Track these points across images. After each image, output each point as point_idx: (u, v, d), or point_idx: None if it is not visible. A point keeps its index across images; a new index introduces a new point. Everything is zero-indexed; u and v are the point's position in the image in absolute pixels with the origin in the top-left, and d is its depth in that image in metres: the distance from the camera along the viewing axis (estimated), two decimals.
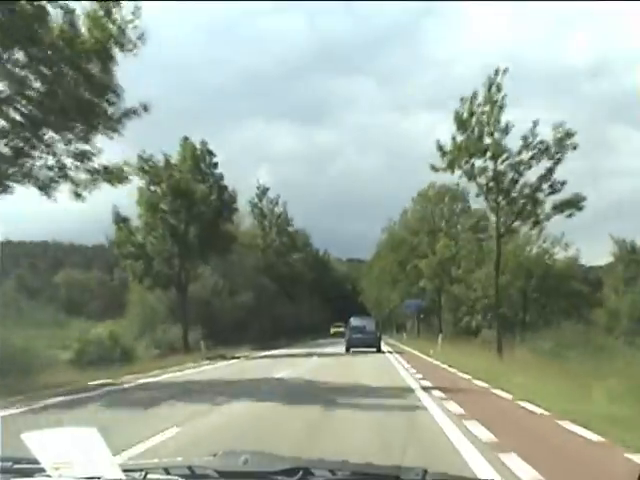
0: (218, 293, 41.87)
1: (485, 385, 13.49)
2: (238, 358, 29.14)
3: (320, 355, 28.88)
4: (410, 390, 12.68)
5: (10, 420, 8.58)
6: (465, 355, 24.66)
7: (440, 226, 50.88)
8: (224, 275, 42.88)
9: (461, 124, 21.10)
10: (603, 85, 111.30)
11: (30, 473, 1.83)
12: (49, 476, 1.75)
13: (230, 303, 42.69)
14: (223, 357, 29.21)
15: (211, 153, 32.36)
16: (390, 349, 37.28)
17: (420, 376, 16.12)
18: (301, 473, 1.81)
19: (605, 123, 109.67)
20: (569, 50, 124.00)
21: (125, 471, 1.80)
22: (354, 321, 32.33)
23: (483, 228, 50.77)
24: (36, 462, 1.77)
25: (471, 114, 21.06)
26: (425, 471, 1.86)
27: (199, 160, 31.84)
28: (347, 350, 30.68)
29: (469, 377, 15.66)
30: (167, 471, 1.90)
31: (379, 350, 30.68)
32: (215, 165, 32.34)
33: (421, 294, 53.14)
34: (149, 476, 1.84)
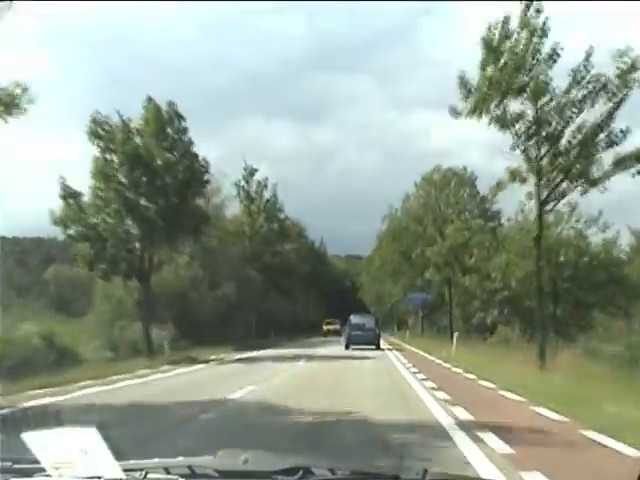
0: (196, 285, 36.47)
1: (562, 419, 8.15)
2: (210, 361, 24.02)
3: (309, 358, 23.60)
4: (441, 432, 7.30)
5: None
6: (491, 360, 19.39)
7: (446, 213, 45.87)
8: (203, 265, 37.49)
9: (491, 51, 15.70)
10: None
11: (30, 473, 1.83)
12: (49, 476, 1.76)
13: (211, 297, 37.27)
14: (192, 360, 24.08)
15: (180, 116, 26.96)
16: (393, 349, 32.13)
17: (446, 396, 10.79)
18: (301, 472, 1.80)
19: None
20: (569, 50, 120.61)
21: (125, 471, 1.78)
22: (354, 318, 32.44)
23: (493, 215, 46.06)
24: (36, 462, 1.77)
25: (506, 37, 15.69)
26: (425, 470, 1.83)
27: (165, 124, 26.44)
28: (347, 347, 30.61)
29: (522, 399, 10.35)
30: (167, 470, 1.89)
31: (378, 347, 30.34)
32: (184, 130, 26.96)
33: (426, 287, 48.31)
34: (149, 475, 1.84)
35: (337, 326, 55.06)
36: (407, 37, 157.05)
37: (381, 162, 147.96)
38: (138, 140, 25.74)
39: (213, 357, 26.21)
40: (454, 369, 17.77)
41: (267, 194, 45.76)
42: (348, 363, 21.08)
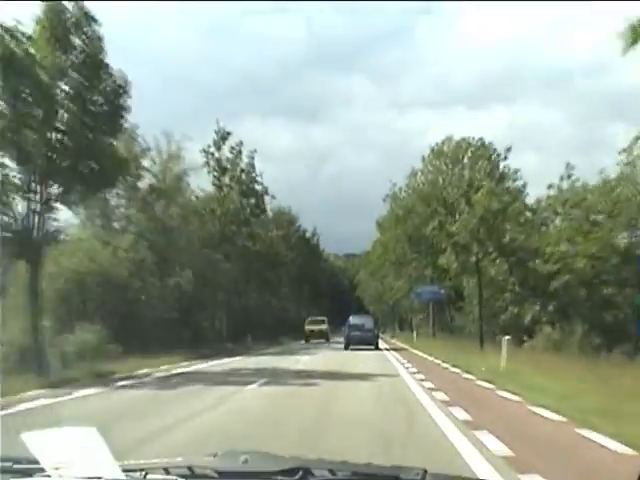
0: (141, 273, 27.80)
1: None
2: (129, 379, 15.87)
3: (272, 378, 14.94)
4: None
5: None
6: (582, 384, 10.88)
7: (461, 191, 37.74)
8: (153, 247, 28.80)
9: None
10: (603, 84, 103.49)
11: (30, 473, 1.79)
12: (49, 476, 1.72)
13: (162, 289, 28.67)
14: (102, 378, 15.99)
15: (93, 20, 18.28)
16: (401, 356, 23.68)
17: None
18: (301, 473, 1.77)
19: (606, 121, 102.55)
20: (569, 50, 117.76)
21: (125, 471, 1.77)
22: (353, 319, 32.87)
23: (516, 195, 37.95)
24: (36, 462, 1.74)
25: None
26: (425, 471, 1.82)
27: (68, 29, 17.82)
28: (346, 348, 30.76)
29: None
30: (167, 471, 1.86)
31: (377, 347, 30.49)
32: (98, 40, 18.28)
33: (436, 279, 40.15)
34: (149, 476, 1.81)
35: (324, 327, 43.24)
36: (405, 37, 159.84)
37: (379, 162, 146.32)
38: (25, 49, 17.14)
39: (143, 371, 18.00)
40: (545, 414, 9.04)
41: (242, 164, 36.88)
42: (330, 393, 12.26)
